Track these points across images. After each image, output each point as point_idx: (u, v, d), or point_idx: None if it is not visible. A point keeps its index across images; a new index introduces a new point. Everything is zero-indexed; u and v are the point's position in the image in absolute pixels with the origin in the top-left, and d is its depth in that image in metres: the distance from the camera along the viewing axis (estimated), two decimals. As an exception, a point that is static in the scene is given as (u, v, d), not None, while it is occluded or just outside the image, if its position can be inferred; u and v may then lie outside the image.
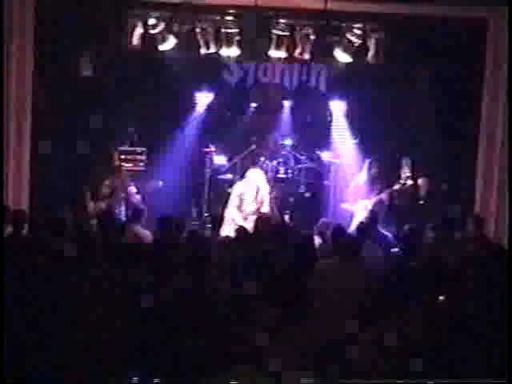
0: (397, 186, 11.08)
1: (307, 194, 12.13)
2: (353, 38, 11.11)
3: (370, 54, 11.30)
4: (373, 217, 9.29)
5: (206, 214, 11.76)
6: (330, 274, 6.56)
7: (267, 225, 8.54)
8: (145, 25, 11.04)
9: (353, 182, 11.33)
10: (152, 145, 11.93)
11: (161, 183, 10.58)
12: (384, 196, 11.02)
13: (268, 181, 11.28)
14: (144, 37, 11.16)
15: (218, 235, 9.16)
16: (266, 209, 10.86)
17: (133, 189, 10.27)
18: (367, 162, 11.30)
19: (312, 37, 11.13)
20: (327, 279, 6.51)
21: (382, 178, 11.21)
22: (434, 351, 5.37)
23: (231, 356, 5.19)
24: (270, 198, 11.11)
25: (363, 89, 11.95)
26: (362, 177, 11.25)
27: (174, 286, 5.92)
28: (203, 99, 12.37)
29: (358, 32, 11.09)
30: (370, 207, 10.88)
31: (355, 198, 11.13)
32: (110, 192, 10.04)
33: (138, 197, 10.50)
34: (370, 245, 7.94)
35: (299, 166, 12.16)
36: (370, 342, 5.39)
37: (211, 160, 12.02)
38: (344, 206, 11.26)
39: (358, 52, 11.27)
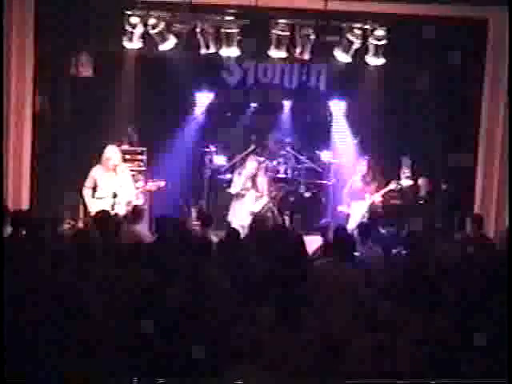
0: (392, 186, 10.98)
1: (307, 194, 12.11)
2: (353, 38, 11.11)
3: (370, 53, 11.31)
4: (374, 217, 9.27)
5: (205, 214, 11.73)
6: (327, 274, 6.57)
7: (264, 225, 8.55)
8: (145, 25, 11.04)
9: (348, 183, 11.25)
10: (152, 145, 11.92)
11: (163, 183, 10.57)
12: (376, 198, 10.91)
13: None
14: (144, 37, 11.16)
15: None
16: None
17: (133, 188, 10.26)
18: (361, 162, 11.21)
19: (312, 37, 11.12)
20: (325, 278, 6.51)
21: (375, 178, 11.10)
22: (433, 351, 5.38)
23: (232, 355, 5.20)
24: (270, 199, 11.10)
25: (363, 89, 11.95)
26: (357, 178, 11.16)
27: (174, 286, 5.93)
28: (203, 99, 12.37)
29: (358, 32, 11.08)
30: (364, 210, 10.79)
31: (350, 200, 11.06)
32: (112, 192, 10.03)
33: (138, 196, 10.48)
34: (371, 245, 7.94)
35: (299, 165, 12.15)
36: (370, 342, 5.39)
37: (211, 160, 12.01)
38: (340, 208, 11.21)
39: (358, 52, 11.27)
